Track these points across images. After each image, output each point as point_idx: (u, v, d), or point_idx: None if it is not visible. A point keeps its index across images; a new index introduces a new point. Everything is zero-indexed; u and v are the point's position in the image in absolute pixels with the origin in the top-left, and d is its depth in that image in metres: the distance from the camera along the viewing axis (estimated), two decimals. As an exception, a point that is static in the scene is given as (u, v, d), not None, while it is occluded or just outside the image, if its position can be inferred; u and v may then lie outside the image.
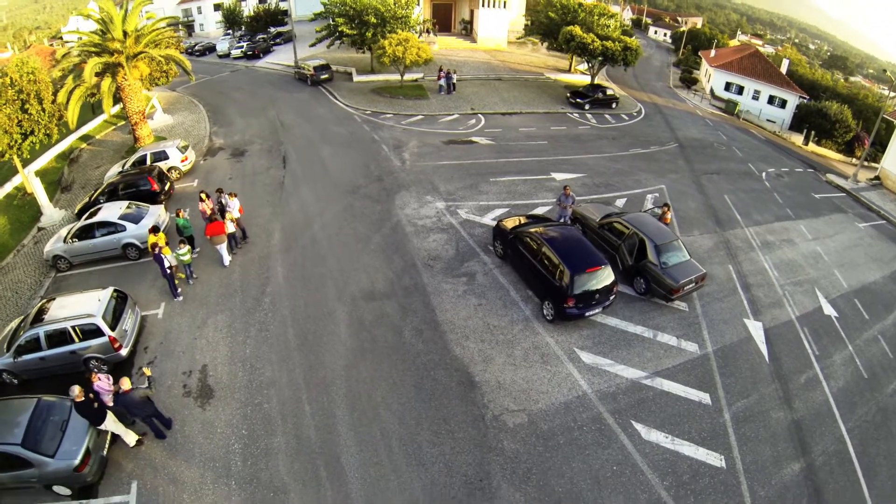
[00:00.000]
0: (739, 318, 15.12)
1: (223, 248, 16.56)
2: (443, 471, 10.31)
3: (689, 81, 57.04)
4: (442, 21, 55.62)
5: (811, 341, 14.78)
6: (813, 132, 42.34)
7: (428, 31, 48.70)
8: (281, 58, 47.52)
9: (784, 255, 19.20)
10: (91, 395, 10.51)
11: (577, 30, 37.41)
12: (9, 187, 24.03)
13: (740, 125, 42.41)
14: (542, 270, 14.11)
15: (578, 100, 36.20)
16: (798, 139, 42.02)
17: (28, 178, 20.85)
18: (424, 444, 10.88)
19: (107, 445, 10.76)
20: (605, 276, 13.58)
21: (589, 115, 35.41)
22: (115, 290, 13.86)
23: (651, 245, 15.05)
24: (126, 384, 10.43)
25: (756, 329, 14.75)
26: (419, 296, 15.22)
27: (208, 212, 16.77)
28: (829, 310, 16.38)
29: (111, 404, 10.84)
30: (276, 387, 12.41)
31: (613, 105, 37.68)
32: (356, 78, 38.81)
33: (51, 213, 20.94)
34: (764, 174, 28.60)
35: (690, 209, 22.00)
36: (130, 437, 11.15)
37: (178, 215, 16.84)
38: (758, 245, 19.70)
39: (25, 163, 23.84)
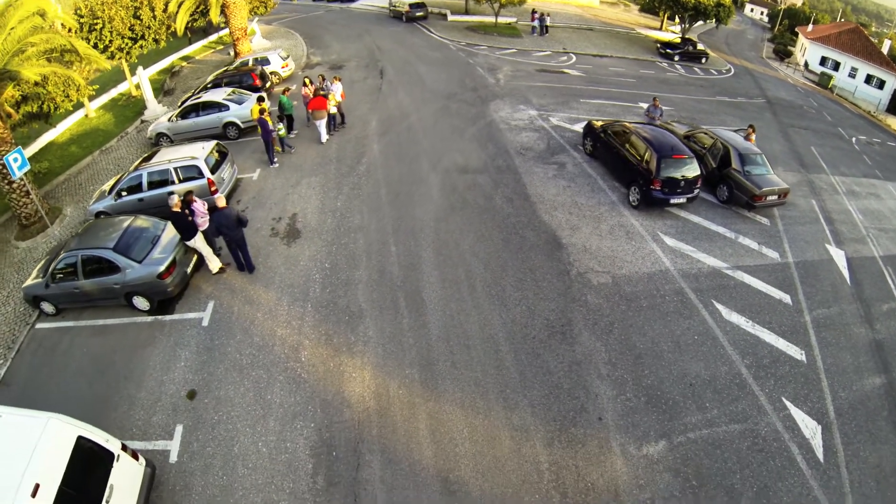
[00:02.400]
0: (821, 242, 14.47)
1: (322, 124, 17.34)
2: (525, 313, 10.58)
3: (783, 54, 53.08)
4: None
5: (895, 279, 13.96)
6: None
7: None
8: (375, 1, 47.65)
9: (869, 205, 18.09)
10: (187, 211, 11.32)
11: None
12: (114, 92, 25.83)
13: (833, 98, 39.40)
14: (630, 157, 14.31)
15: (668, 50, 35.87)
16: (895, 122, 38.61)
17: (138, 74, 22.06)
18: (508, 288, 11.19)
19: (191, 265, 11.36)
20: (690, 166, 13.50)
21: (678, 66, 34.46)
22: (217, 143, 14.74)
23: (735, 153, 14.75)
24: (222, 201, 11.18)
25: (838, 256, 14.05)
26: (511, 174, 15.59)
27: (311, 95, 17.40)
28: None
29: (203, 227, 11.59)
30: (364, 231, 13.05)
31: (703, 60, 36.91)
32: (450, 17, 38.92)
33: (154, 107, 22.32)
34: (854, 139, 26.74)
35: (775, 150, 21.04)
36: (214, 263, 11.97)
37: (283, 94, 17.68)
38: (843, 191, 18.65)
39: (132, 70, 25.27)
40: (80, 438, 6.81)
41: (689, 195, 13.74)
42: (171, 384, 9.60)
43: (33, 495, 5.95)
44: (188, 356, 10.11)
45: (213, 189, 13.61)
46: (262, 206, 14.37)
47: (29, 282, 11.92)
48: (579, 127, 19.05)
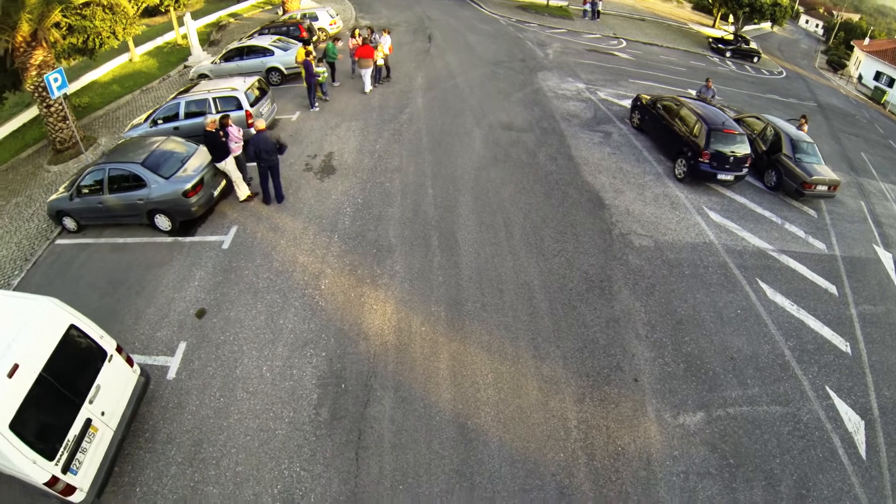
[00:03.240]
0: (869, 242, 13.04)
1: (367, 73, 16.51)
2: (563, 264, 9.66)
3: (836, 65, 49.89)
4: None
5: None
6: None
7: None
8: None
9: (920, 216, 16.20)
10: (221, 133, 10.69)
11: None
12: (160, 41, 25.71)
13: (885, 113, 36.68)
14: (679, 129, 13.42)
15: (721, 45, 34.51)
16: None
17: (185, 23, 21.74)
18: (547, 239, 10.27)
19: (219, 189, 10.78)
20: (741, 144, 12.59)
21: (729, 62, 32.96)
22: (259, 79, 14.07)
23: (787, 139, 13.66)
24: (262, 124, 10.48)
25: (886, 258, 12.61)
26: (555, 136, 14.60)
27: (359, 45, 16.63)
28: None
29: (236, 152, 10.98)
30: (402, 173, 12.26)
31: (755, 59, 35.38)
32: None
33: (198, 53, 21.87)
34: (905, 152, 24.45)
35: (825, 150, 19.15)
36: (243, 190, 11.32)
37: (331, 41, 16.86)
38: (892, 198, 16.88)
39: (180, 21, 25.14)
40: (72, 328, 6.08)
41: (738, 173, 12.67)
42: (182, 302, 8.88)
43: (10, 375, 5.25)
44: (203, 276, 9.39)
45: (249, 122, 12.92)
46: (298, 143, 13.68)
47: (54, 196, 11.53)
48: (627, 103, 17.96)
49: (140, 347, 8.12)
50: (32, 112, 17.83)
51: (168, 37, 25.64)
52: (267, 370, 7.52)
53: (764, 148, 14.09)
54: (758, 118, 15.07)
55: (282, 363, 7.61)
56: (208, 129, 10.65)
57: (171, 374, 7.64)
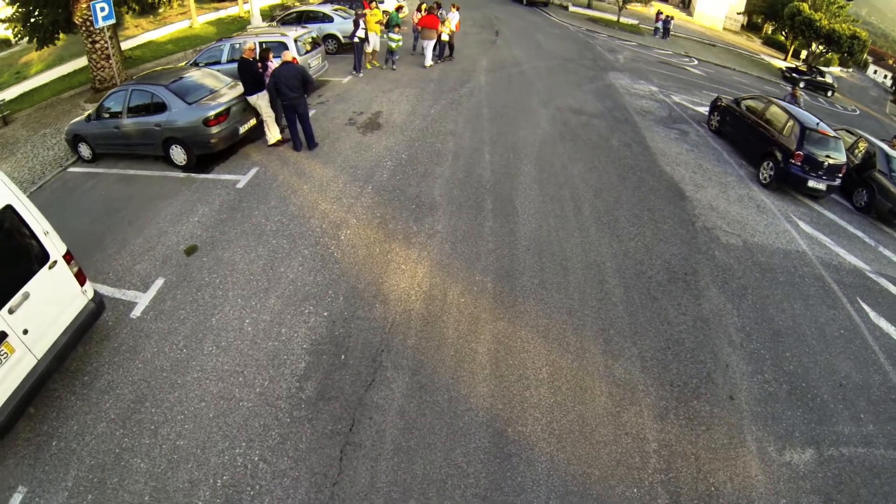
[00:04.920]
0: None
1: (429, 46, 14.88)
2: (640, 249, 7.62)
3: None
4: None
5: None
6: None
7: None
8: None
9: None
10: (259, 64, 9.23)
11: (804, 6, 31.24)
12: (223, 13, 25.45)
13: None
14: (766, 129, 11.40)
15: (794, 75, 31.79)
16: None
17: None
18: (622, 220, 8.25)
19: (246, 127, 9.36)
20: (836, 149, 10.47)
21: (802, 93, 29.42)
22: (314, 35, 12.96)
23: (882, 154, 11.35)
24: (289, 55, 9.04)
25: None
26: (629, 126, 12.55)
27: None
28: None
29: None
30: (456, 137, 10.43)
31: (829, 93, 32.54)
32: (571, 8, 36.42)
33: (258, 21, 21.46)
34: None
35: None
36: (273, 132, 9.75)
37: (396, 9, 15.38)
38: None
39: None
40: (7, 209, 4.40)
41: (831, 182, 10.47)
42: (174, 236, 7.24)
43: None
44: (205, 212, 7.74)
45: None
46: (344, 101, 12.13)
47: (74, 120, 10.34)
48: (702, 109, 15.91)
49: (113, 278, 6.52)
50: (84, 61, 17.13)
51: (232, 10, 25.12)
52: (249, 324, 5.62)
53: (855, 163, 11.77)
54: (848, 131, 12.78)
55: (270, 318, 5.72)
56: (245, 55, 9.16)
57: (136, 312, 5.91)
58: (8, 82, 17.96)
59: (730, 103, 13.09)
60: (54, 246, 4.75)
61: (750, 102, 12.49)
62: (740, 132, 12.53)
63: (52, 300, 4.70)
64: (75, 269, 4.97)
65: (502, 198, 8.27)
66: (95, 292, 5.28)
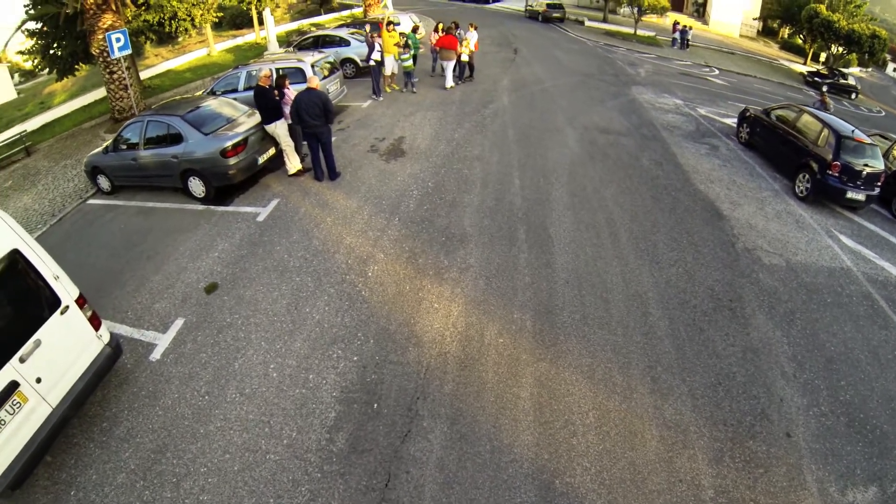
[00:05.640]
0: None
1: (449, 67, 14.80)
2: (682, 276, 7.24)
3: None
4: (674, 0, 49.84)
5: None
6: None
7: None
8: (510, 3, 45.99)
9: None
10: (276, 92, 9.09)
11: (822, 7, 30.65)
12: (240, 40, 26.09)
13: None
14: (800, 140, 10.97)
15: (816, 79, 30.96)
16: None
17: (265, 21, 21.55)
18: (660, 246, 7.89)
19: (265, 156, 9.23)
20: (873, 157, 10.03)
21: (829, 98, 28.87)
22: (332, 60, 12.94)
23: None
24: (314, 81, 8.82)
25: None
26: (658, 143, 12.20)
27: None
28: None
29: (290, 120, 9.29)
30: (484, 162, 10.18)
31: (853, 96, 31.71)
32: (587, 23, 36.40)
33: (274, 47, 21.83)
34: None
35: None
36: (294, 162, 9.59)
37: (412, 30, 15.38)
38: None
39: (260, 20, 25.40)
40: (15, 254, 4.22)
41: (870, 192, 10.02)
42: (193, 272, 7.00)
43: None
44: (226, 248, 7.52)
45: None
46: (365, 127, 12.00)
47: (93, 152, 10.39)
48: (729, 121, 15.56)
49: (132, 318, 6.34)
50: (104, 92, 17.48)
51: (249, 37, 25.58)
52: (274, 369, 5.31)
53: (892, 170, 11.22)
54: (882, 136, 12.28)
55: (296, 363, 5.40)
56: (261, 83, 9.06)
57: (156, 355, 5.67)
58: (32, 112, 18.36)
59: (759, 114, 12.71)
60: (66, 290, 4.54)
61: (780, 112, 12.09)
62: (772, 144, 12.14)
63: (66, 347, 4.49)
64: (89, 314, 4.74)
65: (536, 226, 7.94)
66: (112, 336, 5.04)
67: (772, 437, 5.05)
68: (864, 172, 9.95)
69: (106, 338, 4.95)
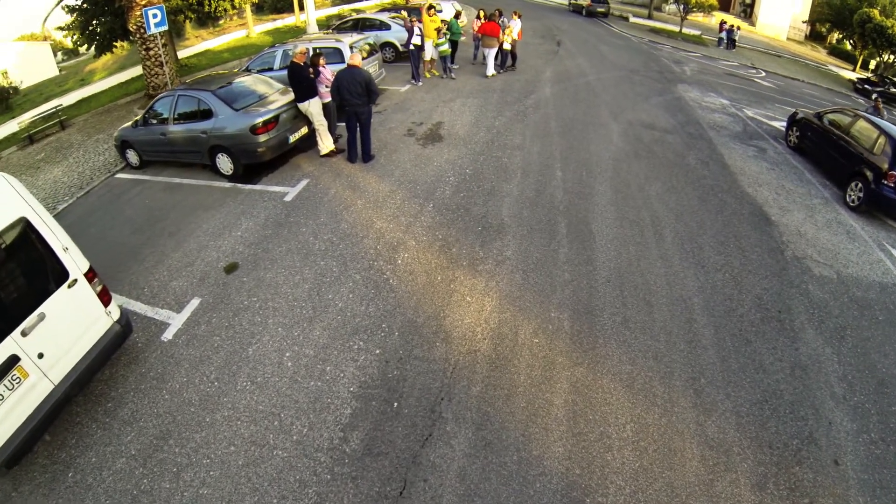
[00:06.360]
0: None
1: (491, 55, 14.35)
2: (728, 281, 6.71)
3: None
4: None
5: None
6: None
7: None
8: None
9: None
10: (311, 70, 8.76)
11: (875, 12, 28.74)
12: (279, 23, 26.02)
13: None
14: (852, 147, 10.29)
15: (867, 86, 28.67)
16: None
17: (305, 5, 21.48)
18: (706, 248, 7.35)
19: (297, 135, 8.94)
20: None
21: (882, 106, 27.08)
22: (371, 41, 12.64)
23: None
24: (356, 59, 8.45)
25: None
26: (704, 142, 11.59)
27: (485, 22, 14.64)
28: None
29: (325, 99, 9.03)
30: (524, 151, 9.74)
31: None
32: (632, 19, 35.49)
33: (314, 29, 21.68)
34: None
35: None
36: (327, 142, 9.30)
37: (454, 17, 15.10)
38: None
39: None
40: (22, 221, 3.98)
41: None
42: (214, 251, 6.75)
43: None
44: (250, 227, 7.25)
45: None
46: (402, 111, 11.71)
47: (123, 126, 10.35)
48: (777, 124, 14.77)
49: (147, 294, 6.12)
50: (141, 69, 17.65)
51: (289, 20, 25.59)
52: (290, 358, 4.97)
53: None
54: None
55: (313, 352, 5.06)
56: (295, 60, 8.77)
57: (168, 335, 5.41)
58: (72, 88, 18.65)
59: (810, 117, 11.97)
60: (75, 263, 4.27)
61: (833, 116, 11.37)
62: (823, 149, 11.46)
63: (72, 322, 4.24)
64: (98, 289, 4.47)
65: (577, 221, 7.46)
66: (122, 313, 4.77)
67: (819, 463, 4.56)
68: None
69: (116, 315, 4.69)
